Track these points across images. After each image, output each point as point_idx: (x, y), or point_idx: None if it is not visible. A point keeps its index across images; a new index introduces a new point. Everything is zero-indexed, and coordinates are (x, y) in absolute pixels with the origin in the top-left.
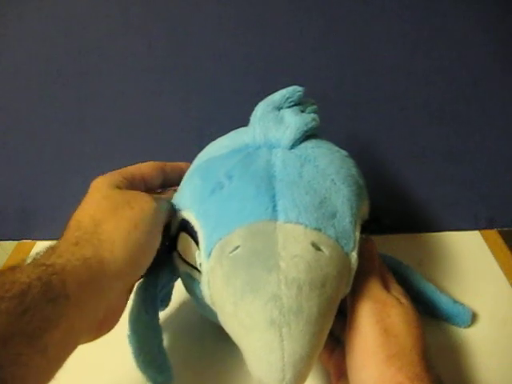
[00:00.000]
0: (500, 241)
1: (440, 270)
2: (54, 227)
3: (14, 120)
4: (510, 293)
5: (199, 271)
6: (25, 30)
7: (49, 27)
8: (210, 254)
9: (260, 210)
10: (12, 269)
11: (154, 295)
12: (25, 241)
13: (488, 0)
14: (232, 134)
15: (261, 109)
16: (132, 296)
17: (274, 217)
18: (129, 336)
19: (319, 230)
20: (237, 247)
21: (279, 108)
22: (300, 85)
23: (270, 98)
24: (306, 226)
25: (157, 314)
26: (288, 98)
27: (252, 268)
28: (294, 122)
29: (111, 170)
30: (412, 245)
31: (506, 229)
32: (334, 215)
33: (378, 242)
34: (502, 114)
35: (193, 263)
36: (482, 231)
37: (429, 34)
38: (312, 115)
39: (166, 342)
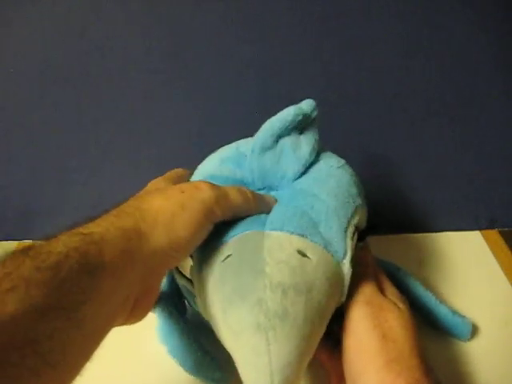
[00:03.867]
0: (501, 241)
1: (440, 270)
2: (53, 227)
3: (14, 120)
4: (510, 293)
5: (193, 284)
6: (25, 31)
7: (49, 28)
8: (203, 265)
9: (251, 223)
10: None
11: (175, 305)
12: (25, 241)
13: (488, 0)
14: (233, 150)
15: (260, 141)
16: (158, 315)
17: (262, 228)
18: (169, 351)
19: (305, 236)
20: (228, 256)
21: (278, 138)
22: (300, 85)
23: (271, 124)
24: (292, 233)
25: (186, 321)
26: (288, 127)
27: (240, 274)
28: (290, 165)
29: (111, 171)
30: (412, 245)
31: (506, 229)
32: (318, 225)
33: (377, 244)
34: (502, 114)
35: (188, 276)
36: (483, 231)
37: (429, 34)
38: (312, 142)
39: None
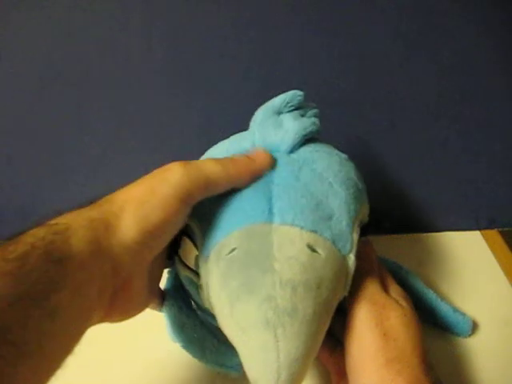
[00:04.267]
0: (501, 241)
1: (440, 270)
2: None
3: (14, 120)
4: (510, 293)
5: (198, 275)
6: (25, 30)
7: (49, 27)
8: (208, 257)
9: (256, 213)
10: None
11: (182, 300)
12: None
13: (488, 0)
14: (232, 138)
15: (261, 114)
16: (165, 312)
17: (270, 219)
18: (184, 347)
19: (315, 231)
20: (233, 249)
21: (279, 113)
22: (300, 85)
23: (270, 102)
24: (302, 228)
25: (196, 313)
26: (288, 103)
27: (247, 269)
28: (292, 126)
29: (111, 171)
30: (412, 245)
31: (506, 229)
32: (330, 218)
33: (378, 243)
34: (502, 113)
35: (192, 267)
36: (483, 231)
37: (429, 34)
38: (312, 119)
39: (167, 345)
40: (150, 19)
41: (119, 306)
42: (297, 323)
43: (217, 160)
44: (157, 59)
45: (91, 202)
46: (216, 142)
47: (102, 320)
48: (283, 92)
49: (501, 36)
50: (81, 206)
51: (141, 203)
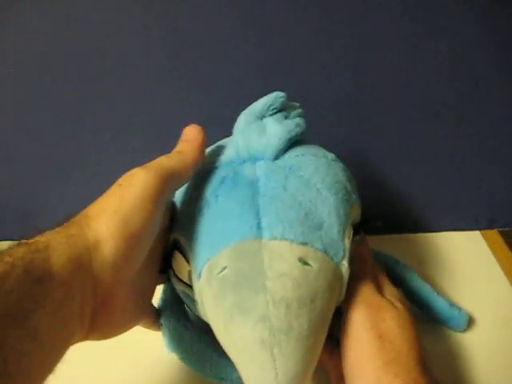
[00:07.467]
0: (500, 241)
1: (440, 270)
2: (53, 227)
3: (14, 120)
4: (510, 293)
5: (193, 288)
6: (25, 30)
7: (49, 27)
8: (200, 275)
9: (245, 229)
10: None
11: (181, 309)
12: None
13: (488, 0)
14: (216, 147)
15: (243, 120)
16: (164, 323)
17: (259, 235)
18: (182, 359)
19: (305, 243)
20: (224, 268)
21: (262, 117)
22: (300, 85)
23: (252, 107)
24: (292, 242)
25: (193, 325)
26: (270, 106)
27: (239, 289)
28: (275, 131)
29: (111, 171)
30: (412, 245)
31: (506, 229)
32: (320, 226)
33: (377, 243)
34: (501, 114)
35: (186, 281)
36: (483, 231)
37: (429, 34)
38: (296, 120)
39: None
40: (150, 19)
41: (101, 324)
42: (293, 340)
43: (167, 155)
44: (156, 59)
45: (68, 218)
46: (215, 142)
47: (84, 338)
48: (282, 90)
49: (501, 36)
50: (58, 224)
51: (113, 213)
